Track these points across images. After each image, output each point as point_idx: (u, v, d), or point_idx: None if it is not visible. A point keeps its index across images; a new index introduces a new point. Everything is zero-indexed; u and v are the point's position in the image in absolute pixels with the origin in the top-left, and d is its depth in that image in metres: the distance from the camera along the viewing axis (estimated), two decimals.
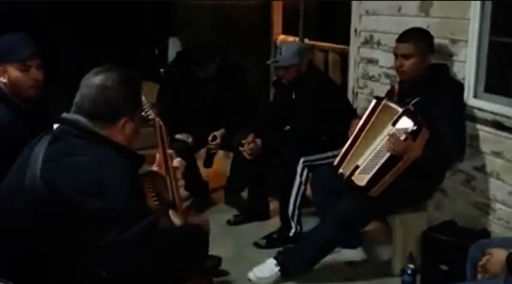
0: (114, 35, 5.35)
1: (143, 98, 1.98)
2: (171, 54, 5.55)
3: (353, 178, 2.73)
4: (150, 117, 1.99)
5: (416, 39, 2.76)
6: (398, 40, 2.81)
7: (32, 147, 1.61)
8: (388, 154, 2.60)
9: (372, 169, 2.65)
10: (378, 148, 2.68)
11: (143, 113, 1.98)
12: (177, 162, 1.96)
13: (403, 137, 2.54)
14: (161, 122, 2.00)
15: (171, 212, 1.84)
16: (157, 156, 1.94)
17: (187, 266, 1.62)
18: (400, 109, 2.65)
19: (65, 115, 1.64)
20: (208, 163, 3.77)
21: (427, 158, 2.56)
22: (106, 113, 1.61)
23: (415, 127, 2.53)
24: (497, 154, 2.71)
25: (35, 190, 1.49)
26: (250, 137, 3.40)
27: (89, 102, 1.60)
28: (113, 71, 1.64)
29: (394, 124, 2.63)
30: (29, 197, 1.51)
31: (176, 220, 1.84)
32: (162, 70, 5.36)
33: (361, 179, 2.68)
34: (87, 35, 4.99)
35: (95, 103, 1.60)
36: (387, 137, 2.61)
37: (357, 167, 2.73)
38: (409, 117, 2.59)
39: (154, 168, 1.91)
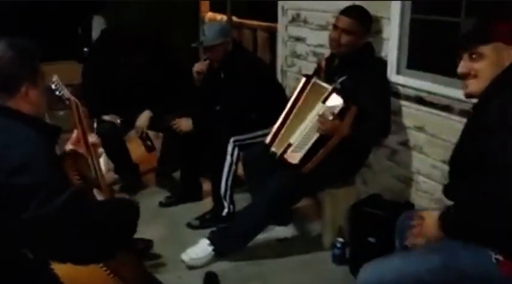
0: (35, 14, 5.10)
1: (55, 77, 1.92)
2: (95, 33, 5.37)
3: (286, 156, 2.76)
4: (66, 96, 1.93)
5: (360, 17, 2.80)
6: (342, 13, 2.82)
7: None
8: (318, 133, 2.65)
9: (304, 147, 2.70)
10: (309, 127, 2.73)
11: (57, 93, 1.92)
12: (93, 138, 1.93)
13: (331, 117, 2.59)
14: (77, 101, 1.95)
15: (95, 191, 1.81)
16: (74, 133, 1.89)
17: (115, 240, 1.58)
18: (330, 87, 2.70)
19: None
20: (148, 147, 3.66)
21: (356, 135, 2.62)
22: (4, 83, 1.57)
23: (344, 105, 2.59)
24: (419, 128, 2.81)
25: None
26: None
27: None
28: None
29: (324, 101, 2.69)
30: None
31: (101, 197, 1.82)
32: (86, 49, 5.18)
33: (294, 157, 2.72)
34: (8, 14, 4.72)
35: None
36: (317, 116, 2.66)
37: (290, 145, 2.77)
38: (338, 94, 2.65)
39: (71, 145, 1.86)
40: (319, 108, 2.70)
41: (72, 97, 1.96)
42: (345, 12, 2.82)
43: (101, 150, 2.02)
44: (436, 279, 1.74)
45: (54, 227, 1.41)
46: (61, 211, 1.40)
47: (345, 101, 2.61)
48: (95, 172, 1.89)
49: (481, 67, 1.76)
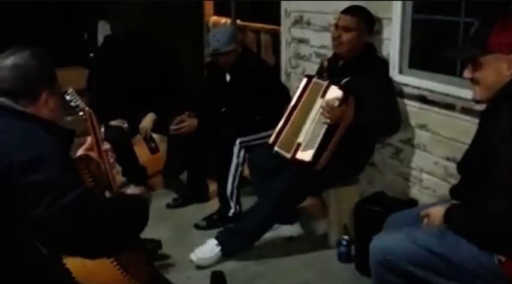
0: (42, 19, 5.17)
1: (70, 89, 2.00)
2: (101, 38, 5.43)
3: (297, 156, 2.77)
4: (80, 106, 2.00)
5: (360, 15, 2.85)
6: (343, 12, 2.89)
7: None
8: (326, 125, 2.68)
9: (314, 143, 2.71)
10: (315, 122, 2.76)
11: (72, 104, 1.98)
12: (106, 145, 1.99)
13: (336, 103, 2.64)
14: (91, 111, 2.01)
15: (107, 193, 1.86)
16: (88, 139, 1.95)
17: (124, 234, 1.62)
18: (326, 82, 2.76)
19: None
20: (152, 149, 3.71)
21: (361, 121, 2.67)
22: (26, 90, 1.63)
23: (344, 94, 2.65)
24: (422, 126, 2.84)
25: None
26: (185, 116, 3.41)
27: (7, 83, 1.62)
28: (21, 50, 1.67)
29: (323, 96, 2.74)
30: None
31: None
32: (91, 54, 5.24)
33: (306, 155, 2.73)
34: (15, 18, 4.79)
35: (12, 83, 1.62)
36: (321, 109, 2.70)
37: (299, 144, 2.79)
38: (335, 86, 2.72)
39: (85, 151, 1.92)
40: (320, 103, 2.74)
41: (87, 108, 2.03)
42: (345, 11, 2.89)
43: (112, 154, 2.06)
44: (437, 263, 1.82)
45: (65, 222, 1.45)
46: (72, 206, 1.44)
47: (343, 91, 2.67)
48: (107, 176, 1.94)
49: (481, 76, 1.82)
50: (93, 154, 1.92)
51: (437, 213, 1.90)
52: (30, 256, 1.52)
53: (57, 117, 1.73)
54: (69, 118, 4.23)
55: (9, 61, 1.63)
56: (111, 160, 1.99)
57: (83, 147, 1.95)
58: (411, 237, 1.89)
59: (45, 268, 1.56)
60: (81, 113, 2.01)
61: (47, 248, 1.52)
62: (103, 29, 5.52)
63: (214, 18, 5.46)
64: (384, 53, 3.01)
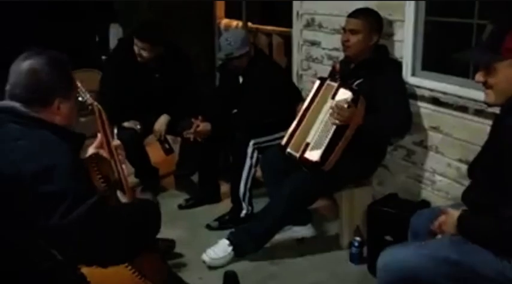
0: (53, 22, 5.20)
1: (79, 84, 2.00)
2: (113, 41, 5.46)
3: (306, 155, 2.78)
4: (88, 102, 2.00)
5: (366, 17, 2.86)
6: (350, 15, 2.90)
7: None
8: (334, 126, 2.69)
9: (322, 143, 2.72)
10: (324, 122, 2.77)
11: (80, 99, 1.98)
12: (116, 142, 1.99)
13: (346, 105, 2.65)
14: (100, 106, 2.01)
15: (118, 193, 1.86)
16: (98, 136, 1.95)
17: (139, 241, 1.63)
18: (336, 83, 2.77)
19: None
20: (166, 150, 3.72)
21: (371, 123, 2.67)
22: (39, 96, 1.63)
23: (354, 96, 2.66)
24: (435, 128, 2.85)
25: None
26: (198, 121, 3.43)
27: (21, 88, 1.62)
28: (39, 55, 1.66)
29: (333, 97, 2.75)
30: None
31: (124, 200, 1.86)
32: (104, 57, 5.27)
33: (314, 155, 2.74)
34: (26, 22, 4.82)
35: (26, 88, 1.62)
36: (330, 110, 2.71)
37: (308, 144, 2.79)
38: (345, 88, 2.72)
39: (95, 149, 1.92)
40: (329, 104, 2.75)
41: (95, 103, 2.03)
42: (352, 14, 2.90)
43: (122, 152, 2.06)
44: (451, 272, 1.79)
45: (80, 232, 1.47)
46: (87, 216, 1.45)
47: (353, 93, 2.67)
48: (118, 174, 1.94)
49: (494, 81, 1.79)
50: (104, 152, 1.92)
51: (450, 220, 1.87)
52: (45, 262, 1.53)
53: (70, 122, 1.72)
54: (82, 119, 4.25)
55: (26, 65, 1.62)
56: (121, 157, 1.99)
57: (93, 145, 1.95)
58: (425, 249, 1.85)
59: (60, 274, 1.57)
60: (89, 108, 2.02)
61: (62, 257, 1.53)
62: (115, 32, 5.56)
63: (225, 21, 5.47)
64: (397, 55, 3.01)
